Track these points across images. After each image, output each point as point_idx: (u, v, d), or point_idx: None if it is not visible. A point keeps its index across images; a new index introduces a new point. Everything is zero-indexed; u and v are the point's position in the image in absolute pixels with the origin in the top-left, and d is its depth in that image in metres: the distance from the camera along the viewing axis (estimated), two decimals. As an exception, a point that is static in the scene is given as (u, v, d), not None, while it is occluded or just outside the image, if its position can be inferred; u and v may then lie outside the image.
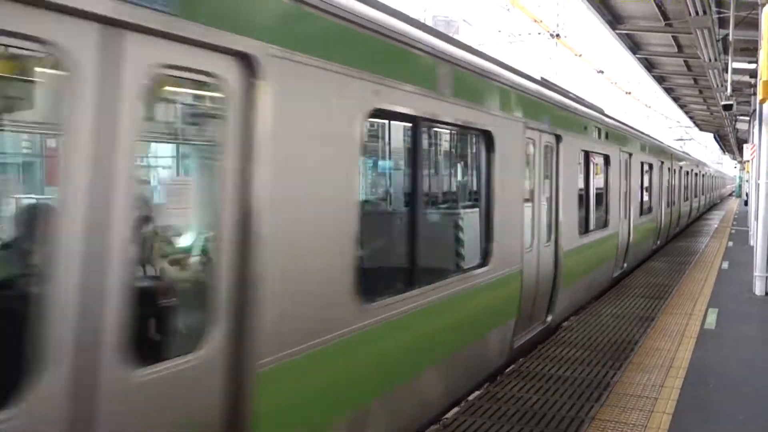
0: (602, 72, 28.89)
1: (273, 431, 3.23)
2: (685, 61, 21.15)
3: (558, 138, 8.26)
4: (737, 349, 7.45)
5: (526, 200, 7.28)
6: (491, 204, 6.10)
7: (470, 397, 5.81)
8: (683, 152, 29.02)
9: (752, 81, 17.71)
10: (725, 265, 14.33)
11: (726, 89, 16.84)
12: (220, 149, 2.98)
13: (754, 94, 14.45)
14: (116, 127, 2.47)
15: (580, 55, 24.23)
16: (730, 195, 71.71)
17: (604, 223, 11.08)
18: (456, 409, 5.48)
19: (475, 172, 6.40)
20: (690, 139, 40.65)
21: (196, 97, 3.37)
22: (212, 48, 2.88)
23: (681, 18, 14.16)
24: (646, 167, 15.50)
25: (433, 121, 5.37)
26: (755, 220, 12.36)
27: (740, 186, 53.61)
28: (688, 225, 26.60)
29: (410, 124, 4.91)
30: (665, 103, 36.86)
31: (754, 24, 12.44)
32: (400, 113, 4.65)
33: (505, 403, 5.52)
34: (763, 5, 8.92)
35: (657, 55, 20.91)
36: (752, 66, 16.10)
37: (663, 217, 18.17)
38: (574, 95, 10.75)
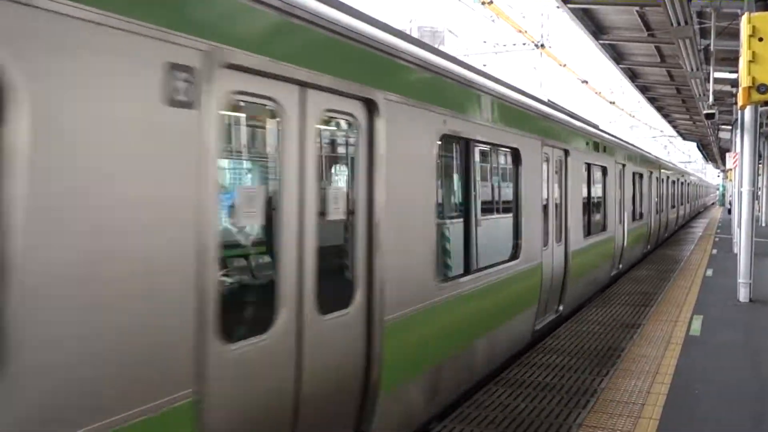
0: (586, 82, 29.17)
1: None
2: (667, 71, 21.41)
3: (566, 152, 9.50)
4: (722, 355, 7.51)
5: (543, 205, 8.39)
6: (519, 208, 7.42)
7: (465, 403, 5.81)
8: (670, 162, 29.48)
9: (734, 90, 17.91)
10: (709, 272, 14.46)
11: (708, 98, 17.06)
12: (354, 163, 4.31)
13: (736, 103, 14.65)
14: (305, 149, 3.75)
15: (565, 65, 24.46)
16: (713, 204, 72.47)
17: (603, 227, 12.34)
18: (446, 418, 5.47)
19: (509, 183, 7.66)
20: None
21: (340, 127, 4.54)
22: (353, 97, 4.17)
23: (663, 28, 14.35)
24: (637, 177, 16.51)
25: (481, 143, 6.48)
26: (738, 228, 12.48)
27: (723, 194, 54.19)
28: (675, 232, 27.42)
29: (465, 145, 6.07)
30: (649, 112, 37.22)
31: (734, 34, 12.62)
32: (461, 137, 5.85)
33: (492, 411, 5.53)
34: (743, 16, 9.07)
35: (640, 65, 21.15)
36: (734, 75, 16.33)
37: (653, 223, 19.45)
38: (578, 115, 11.90)
